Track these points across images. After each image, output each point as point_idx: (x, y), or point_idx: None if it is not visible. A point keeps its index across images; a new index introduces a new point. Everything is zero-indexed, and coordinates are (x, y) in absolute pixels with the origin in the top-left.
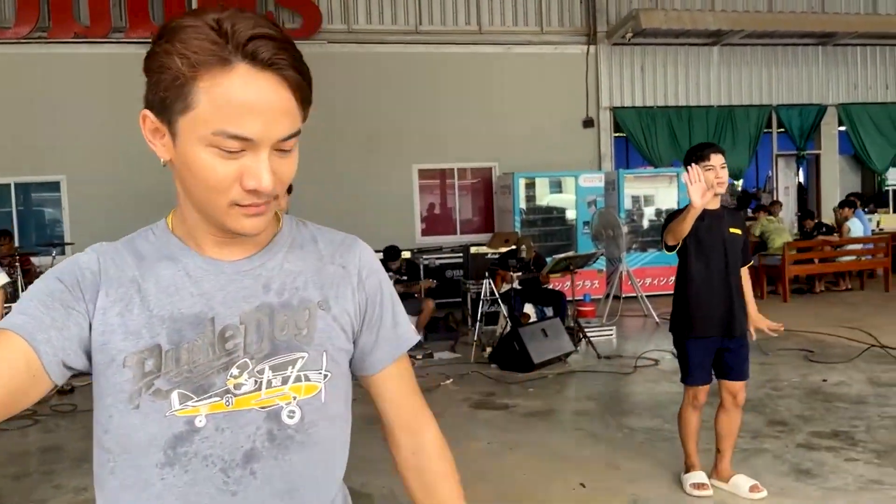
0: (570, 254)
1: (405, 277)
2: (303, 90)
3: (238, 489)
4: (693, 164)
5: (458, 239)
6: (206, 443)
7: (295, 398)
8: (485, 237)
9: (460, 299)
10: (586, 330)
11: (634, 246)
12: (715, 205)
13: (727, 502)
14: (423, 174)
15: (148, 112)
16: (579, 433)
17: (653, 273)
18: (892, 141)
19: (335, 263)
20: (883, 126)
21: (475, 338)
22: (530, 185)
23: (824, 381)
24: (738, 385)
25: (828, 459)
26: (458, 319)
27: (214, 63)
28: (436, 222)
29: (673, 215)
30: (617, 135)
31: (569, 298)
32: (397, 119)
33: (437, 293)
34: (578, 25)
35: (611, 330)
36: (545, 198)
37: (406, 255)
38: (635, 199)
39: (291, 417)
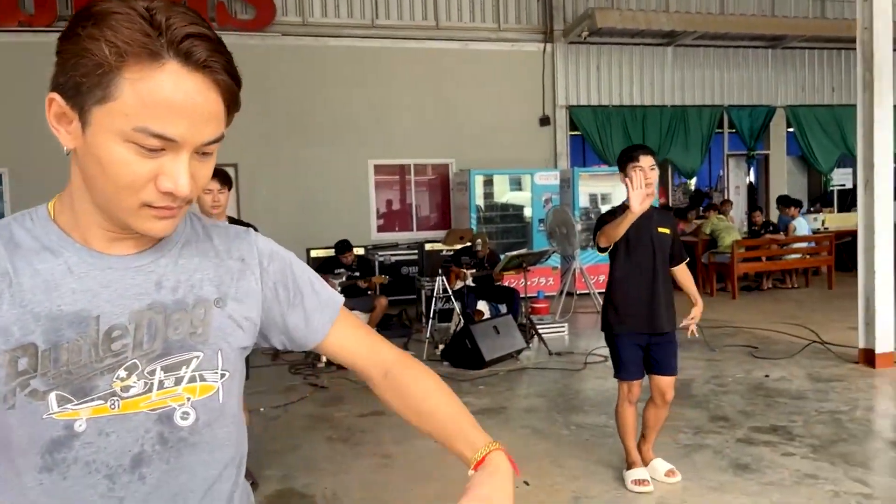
0: (523, 251)
1: (357, 273)
2: (233, 95)
3: (125, 494)
4: (637, 170)
5: (414, 235)
6: (89, 448)
7: (189, 399)
8: (442, 234)
9: (415, 296)
10: (539, 327)
11: (590, 244)
12: (645, 205)
13: (667, 499)
14: (380, 170)
15: (56, 95)
16: (526, 431)
17: (607, 270)
18: (836, 142)
19: (233, 258)
20: (828, 128)
21: (427, 335)
22: (487, 183)
23: (766, 376)
24: (666, 382)
25: (766, 454)
26: (411, 317)
27: (144, 56)
28: (392, 219)
29: (605, 217)
30: (573, 133)
31: (523, 295)
32: (353, 114)
33: (392, 290)
34: (535, 23)
35: (563, 326)
36: (502, 195)
37: (360, 251)
38: (591, 197)
39: (185, 419)
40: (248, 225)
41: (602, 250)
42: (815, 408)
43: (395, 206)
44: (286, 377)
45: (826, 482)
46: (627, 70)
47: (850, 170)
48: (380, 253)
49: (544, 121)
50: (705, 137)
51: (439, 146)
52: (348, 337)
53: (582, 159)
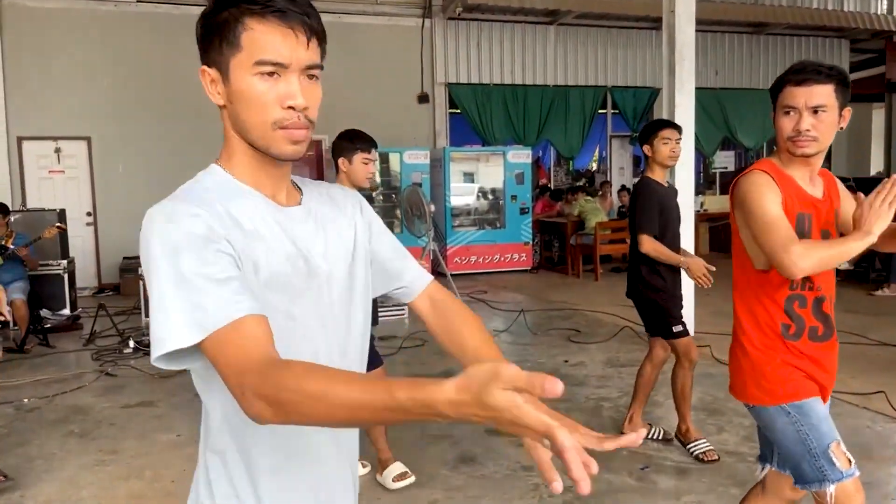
0: None
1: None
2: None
3: None
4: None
5: None
6: None
7: None
8: None
9: None
10: (379, 310)
11: (463, 224)
12: None
13: (363, 492)
14: None
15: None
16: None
17: (479, 251)
18: (719, 125)
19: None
20: (711, 111)
21: None
22: None
23: (566, 361)
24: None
25: (497, 445)
26: None
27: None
28: None
29: None
30: (453, 111)
31: None
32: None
33: None
34: None
35: (403, 310)
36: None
37: None
38: (467, 176)
39: None
40: None
41: None
42: (586, 394)
43: None
44: (82, 364)
45: (535, 475)
46: (509, 48)
47: (732, 152)
48: None
49: (423, 98)
50: (587, 118)
51: None
52: None
53: (464, 139)
